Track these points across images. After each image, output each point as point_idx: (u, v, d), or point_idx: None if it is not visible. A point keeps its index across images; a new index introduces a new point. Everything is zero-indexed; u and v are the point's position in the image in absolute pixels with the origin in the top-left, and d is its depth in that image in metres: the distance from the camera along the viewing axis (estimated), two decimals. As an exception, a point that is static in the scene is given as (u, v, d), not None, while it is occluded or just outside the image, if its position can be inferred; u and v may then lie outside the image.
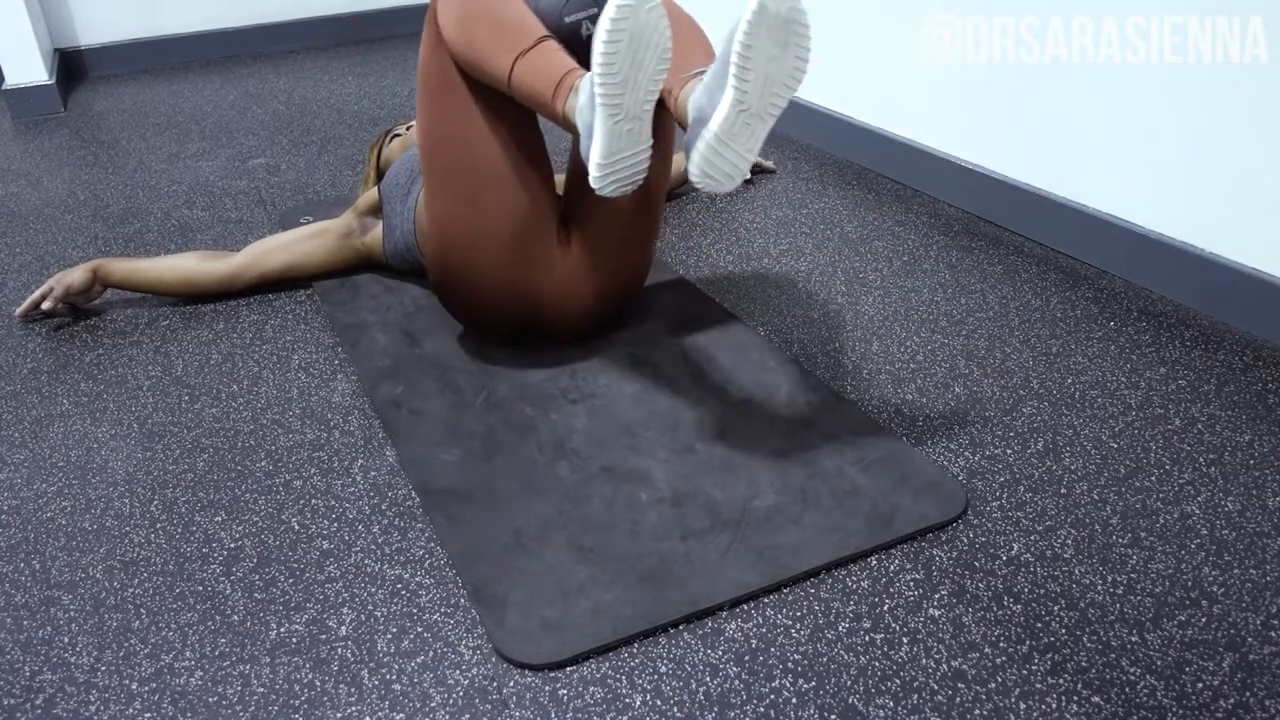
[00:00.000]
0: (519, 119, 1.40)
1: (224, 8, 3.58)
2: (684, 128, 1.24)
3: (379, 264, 1.82)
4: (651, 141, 1.21)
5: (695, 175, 1.16)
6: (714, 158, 1.14)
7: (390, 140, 1.96)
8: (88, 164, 2.58)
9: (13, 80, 3.01)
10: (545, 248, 1.46)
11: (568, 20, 1.38)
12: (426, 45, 1.38)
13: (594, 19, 1.40)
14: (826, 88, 2.39)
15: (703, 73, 1.24)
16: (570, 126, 1.25)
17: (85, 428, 1.46)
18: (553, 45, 1.28)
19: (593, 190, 1.47)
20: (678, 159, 2.13)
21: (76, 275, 1.71)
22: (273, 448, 1.39)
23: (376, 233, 1.77)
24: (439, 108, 1.38)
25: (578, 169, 1.50)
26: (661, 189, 1.50)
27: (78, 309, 1.79)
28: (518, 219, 1.42)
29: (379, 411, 1.44)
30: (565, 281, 1.49)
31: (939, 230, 1.98)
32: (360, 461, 1.36)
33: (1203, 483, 1.25)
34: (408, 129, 1.97)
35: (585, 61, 1.38)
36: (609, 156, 1.17)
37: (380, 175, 1.96)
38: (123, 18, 3.45)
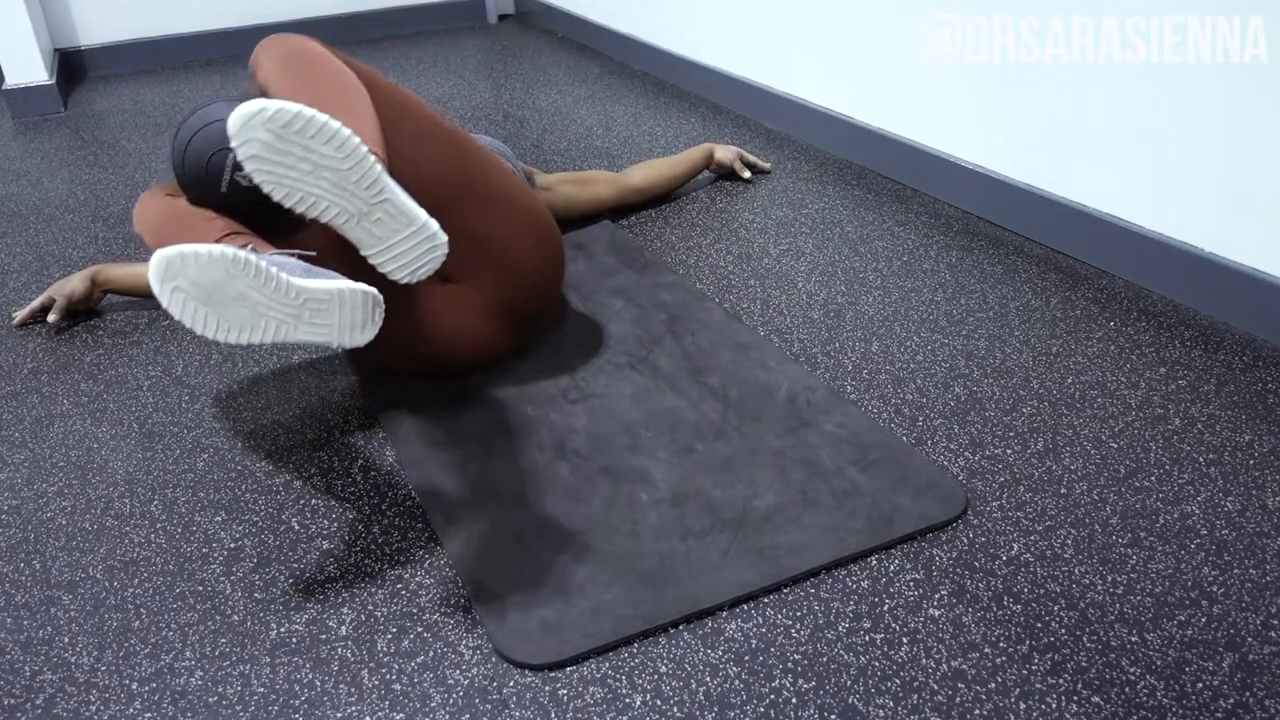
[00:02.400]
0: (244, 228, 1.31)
1: (224, 8, 3.58)
2: None
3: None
4: (365, 268, 1.15)
5: (402, 279, 1.16)
6: (396, 263, 1.15)
7: None
8: (88, 164, 2.58)
9: (13, 80, 3.01)
10: (416, 311, 1.38)
11: (224, 189, 1.30)
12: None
13: (238, 165, 1.29)
14: (826, 88, 2.39)
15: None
16: None
17: (85, 428, 1.46)
18: (201, 231, 1.22)
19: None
20: (677, 160, 2.13)
21: (76, 284, 1.71)
22: (273, 447, 1.39)
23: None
24: None
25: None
26: (492, 192, 1.40)
27: (76, 313, 1.79)
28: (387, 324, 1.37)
29: (379, 412, 1.44)
30: (439, 318, 1.41)
31: (939, 230, 1.98)
32: (360, 461, 1.36)
33: (1203, 483, 1.25)
34: None
35: (266, 212, 1.33)
36: (367, 315, 1.13)
37: None
38: (123, 18, 3.45)
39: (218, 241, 1.21)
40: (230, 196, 1.31)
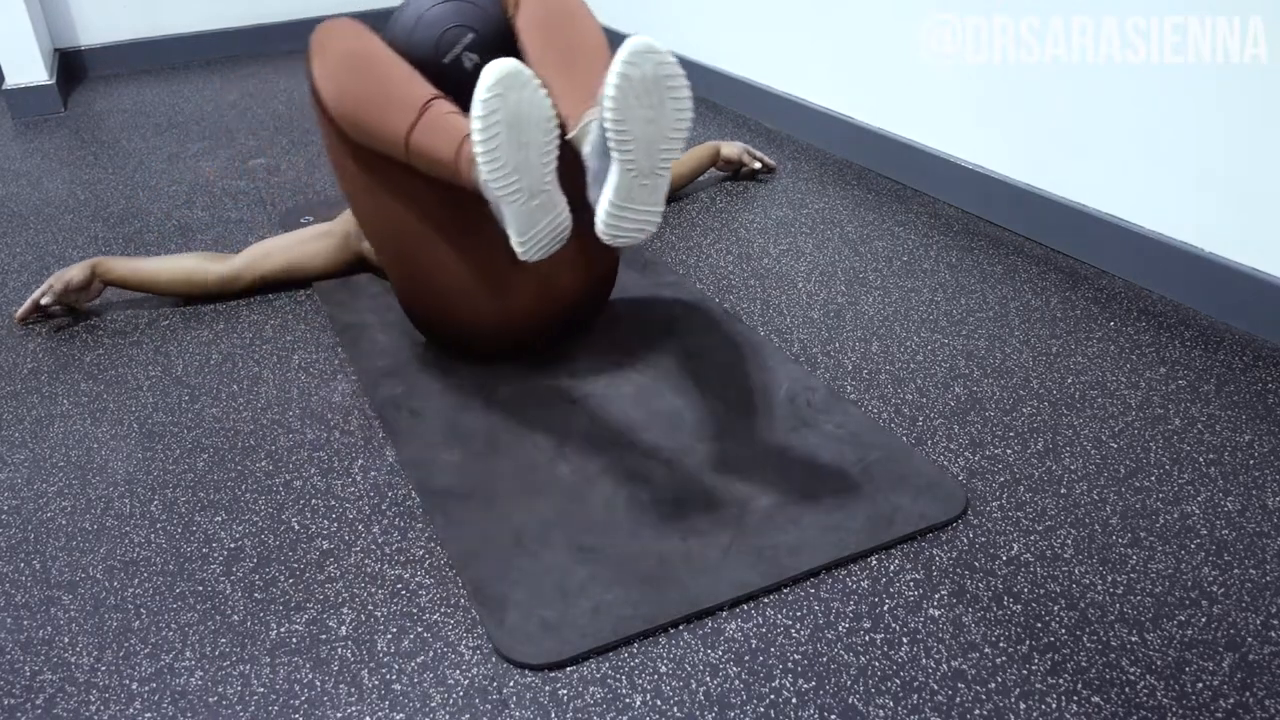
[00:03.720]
0: (435, 188, 1.35)
1: (224, 8, 3.58)
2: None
3: (379, 267, 1.82)
4: (565, 201, 1.16)
5: (605, 237, 1.14)
6: (620, 221, 1.13)
7: None
8: (88, 164, 2.58)
9: (13, 80, 3.01)
10: (501, 276, 1.41)
11: (446, 61, 1.32)
12: (321, 125, 1.34)
13: (471, 46, 1.33)
14: (826, 88, 2.39)
15: (593, 118, 1.19)
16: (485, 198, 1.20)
17: (85, 428, 1.46)
18: (440, 108, 1.20)
19: None
20: (682, 160, 2.13)
21: (76, 272, 1.71)
22: (273, 448, 1.39)
23: (376, 234, 1.77)
24: (357, 187, 1.35)
25: None
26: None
27: (76, 309, 1.79)
28: (470, 265, 1.38)
29: (379, 411, 1.44)
30: (529, 298, 1.45)
31: (939, 230, 1.98)
32: (360, 461, 1.36)
33: (1203, 483, 1.25)
34: None
35: (461, 100, 1.33)
36: (525, 233, 1.14)
37: None
38: (123, 18, 3.45)
39: (430, 101, 1.21)
40: (447, 70, 1.33)
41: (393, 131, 1.21)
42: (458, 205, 1.37)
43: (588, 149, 1.16)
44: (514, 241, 1.15)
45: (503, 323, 1.46)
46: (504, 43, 1.37)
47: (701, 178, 2.27)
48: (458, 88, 1.33)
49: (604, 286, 1.55)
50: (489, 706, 0.99)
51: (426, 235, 1.36)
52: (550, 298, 1.46)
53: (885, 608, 1.08)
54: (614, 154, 1.08)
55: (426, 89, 1.22)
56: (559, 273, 1.45)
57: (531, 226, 1.14)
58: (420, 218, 1.35)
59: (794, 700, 0.98)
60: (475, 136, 1.06)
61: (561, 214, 1.16)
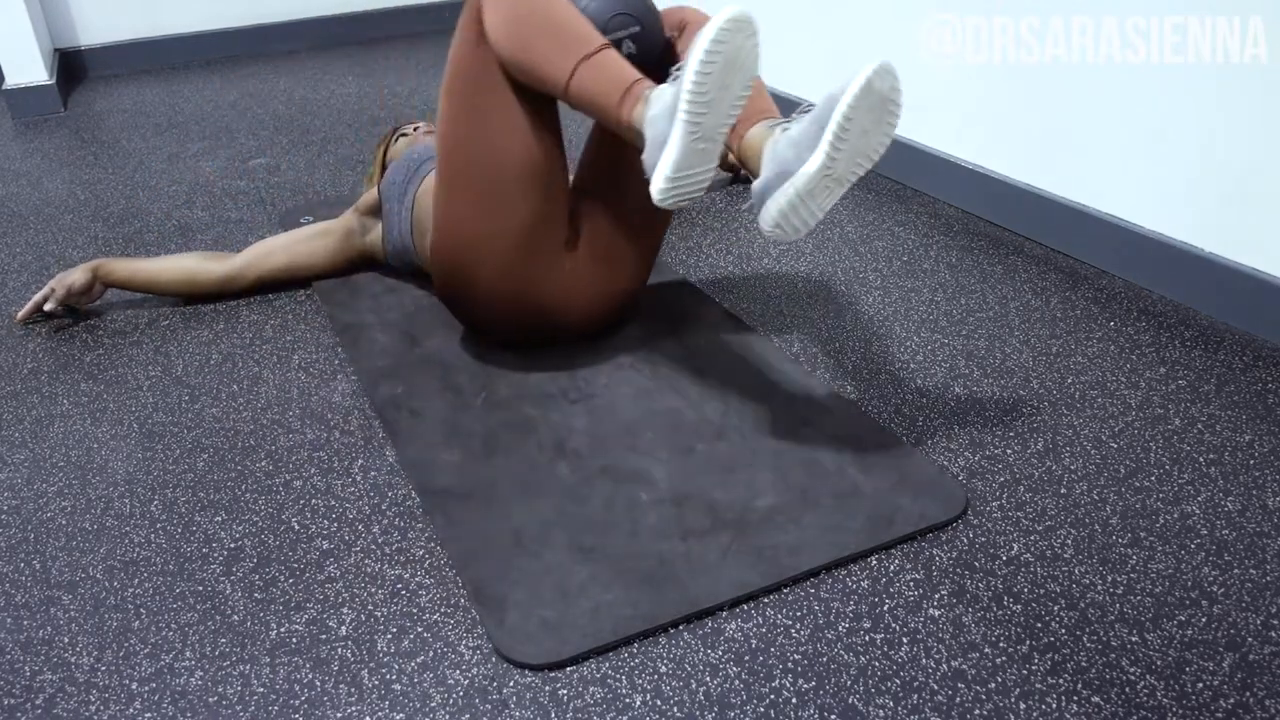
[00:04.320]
0: (547, 123, 1.39)
1: (224, 8, 3.58)
2: (745, 169, 1.28)
3: (381, 264, 1.83)
4: (717, 162, 1.20)
5: (768, 224, 1.18)
6: (791, 212, 1.17)
7: (397, 139, 1.96)
8: (88, 164, 2.58)
9: (13, 80, 3.01)
10: (554, 251, 1.46)
11: (608, 37, 1.38)
12: (464, 41, 1.36)
13: (635, 38, 1.39)
14: (826, 88, 2.39)
15: (780, 123, 1.25)
16: (633, 134, 1.23)
17: (85, 428, 1.46)
18: (616, 54, 1.28)
19: (602, 195, 1.49)
20: None
21: (77, 275, 1.71)
22: (273, 448, 1.39)
23: (377, 233, 1.77)
24: (467, 105, 1.37)
25: (592, 173, 1.51)
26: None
27: (77, 310, 1.79)
28: (532, 221, 1.41)
29: (379, 411, 1.44)
30: (571, 284, 1.49)
31: (939, 230, 1.98)
32: (360, 461, 1.36)
33: (1203, 483, 1.25)
34: (415, 129, 1.96)
35: None
36: (679, 171, 1.16)
37: (383, 171, 1.96)
38: (123, 18, 3.45)
39: (603, 46, 1.27)
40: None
41: (562, 57, 1.27)
42: (553, 169, 1.40)
43: (778, 145, 1.19)
44: (662, 177, 1.17)
45: (536, 296, 1.47)
46: (659, 52, 1.44)
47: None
48: None
49: (636, 288, 1.58)
50: (489, 706, 0.99)
51: (518, 180, 1.38)
52: (586, 285, 1.50)
53: (885, 608, 1.08)
54: (824, 150, 1.12)
55: (599, 35, 1.29)
56: (602, 262, 1.50)
57: (687, 166, 1.17)
58: (519, 161, 1.38)
59: (794, 700, 0.98)
60: (695, 61, 1.11)
61: (709, 170, 1.20)
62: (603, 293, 1.52)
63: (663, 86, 1.19)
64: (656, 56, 1.43)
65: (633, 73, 1.25)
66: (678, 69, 1.16)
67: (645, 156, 1.21)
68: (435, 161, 1.68)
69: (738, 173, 2.26)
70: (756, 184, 1.21)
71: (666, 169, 1.16)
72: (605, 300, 1.54)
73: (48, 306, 1.70)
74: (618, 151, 1.49)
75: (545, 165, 1.39)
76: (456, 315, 1.56)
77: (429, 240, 1.52)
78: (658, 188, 1.18)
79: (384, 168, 1.96)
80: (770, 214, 1.17)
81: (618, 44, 1.38)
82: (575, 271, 1.49)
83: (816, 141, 1.13)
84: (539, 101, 1.37)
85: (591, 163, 1.53)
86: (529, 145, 1.37)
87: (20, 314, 1.73)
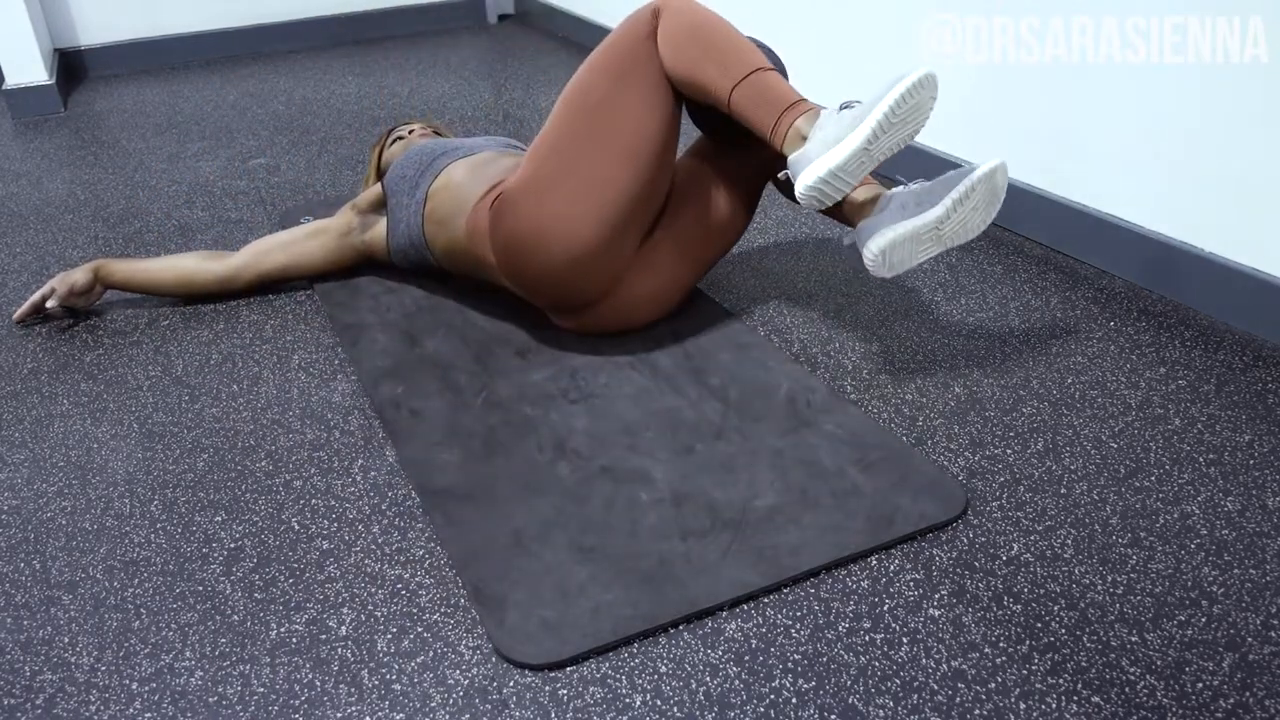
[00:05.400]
0: (674, 120, 1.49)
1: (224, 8, 3.58)
2: (846, 218, 1.47)
3: (380, 262, 1.82)
4: (858, 182, 1.34)
5: (872, 255, 1.36)
6: (894, 248, 1.35)
7: (392, 142, 1.96)
8: (88, 164, 2.58)
9: (13, 80, 3.01)
10: (632, 236, 1.49)
11: None
12: (633, 30, 1.46)
13: None
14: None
15: (909, 184, 1.42)
16: (790, 137, 1.36)
17: (85, 428, 1.46)
18: (771, 77, 1.40)
19: (689, 201, 1.57)
20: None
21: (79, 275, 1.71)
22: (273, 448, 1.39)
23: (378, 229, 1.77)
24: (615, 74, 1.45)
25: (686, 178, 1.59)
26: (747, 220, 1.64)
27: (76, 311, 1.79)
28: (626, 200, 1.45)
29: (379, 411, 1.44)
30: (634, 272, 1.54)
31: (939, 230, 1.98)
32: (360, 461, 1.36)
33: (1203, 483, 1.25)
34: (410, 131, 1.96)
35: (730, 121, 1.56)
36: (841, 169, 1.29)
37: (381, 175, 1.96)
38: (123, 18, 3.45)
39: (762, 67, 1.41)
40: None
41: (740, 64, 1.40)
42: (663, 161, 1.48)
43: (904, 194, 1.37)
44: (824, 168, 1.30)
45: (602, 272, 1.50)
46: None
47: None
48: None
49: (685, 295, 1.64)
50: (489, 706, 0.99)
51: (631, 157, 1.45)
52: (650, 277, 1.56)
53: (885, 608, 1.08)
54: (946, 205, 1.32)
55: (760, 57, 1.42)
56: (671, 260, 1.56)
57: (845, 171, 1.30)
58: (639, 140, 1.45)
59: (794, 700, 0.98)
60: (901, 88, 1.26)
61: (851, 186, 1.33)
62: (655, 293, 1.57)
63: (831, 110, 1.35)
64: None
65: (788, 97, 1.38)
66: (853, 101, 1.34)
67: (800, 154, 1.34)
68: (453, 155, 1.67)
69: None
70: (870, 220, 1.39)
71: (831, 163, 1.29)
72: (653, 300, 1.58)
73: (50, 304, 1.70)
74: (720, 164, 1.59)
75: (660, 151, 1.47)
76: (508, 271, 1.52)
77: (472, 209, 1.55)
78: (813, 178, 1.31)
79: (379, 169, 1.96)
80: (878, 244, 1.34)
81: None
82: (641, 264, 1.54)
83: (939, 199, 1.33)
84: (677, 106, 1.48)
85: (687, 171, 1.60)
86: (656, 127, 1.46)
87: (18, 313, 1.73)
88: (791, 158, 1.35)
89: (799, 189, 1.33)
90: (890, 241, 1.34)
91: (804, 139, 1.35)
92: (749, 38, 1.52)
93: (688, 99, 1.51)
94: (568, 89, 1.48)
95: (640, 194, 1.46)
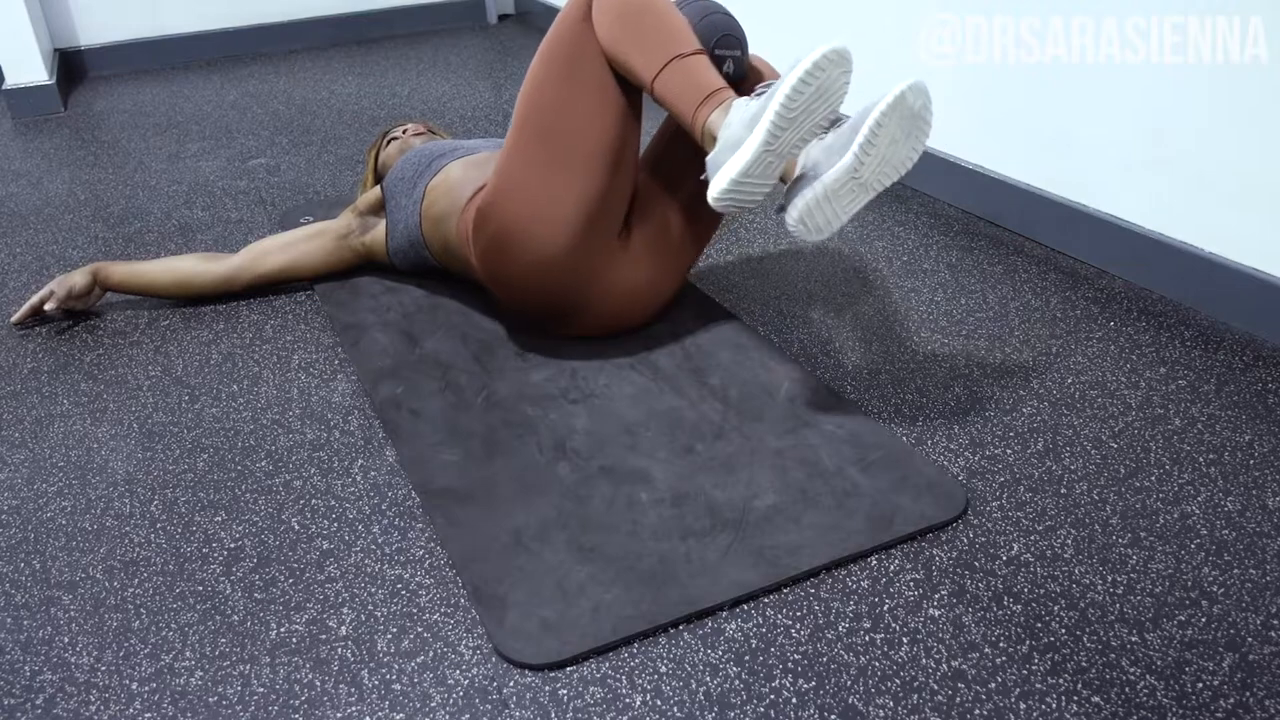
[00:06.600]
0: (632, 112, 1.43)
1: (224, 8, 3.58)
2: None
3: (380, 264, 1.82)
4: (776, 179, 1.24)
5: (793, 221, 1.22)
6: (815, 210, 1.21)
7: (387, 143, 1.96)
8: (88, 164, 2.58)
9: (13, 80, 3.01)
10: (605, 235, 1.47)
11: (717, 52, 1.43)
12: (569, 18, 1.40)
13: (736, 60, 1.44)
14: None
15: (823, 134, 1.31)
16: (704, 136, 1.28)
17: (85, 428, 1.46)
18: (709, 61, 1.32)
19: (661, 193, 1.53)
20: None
21: (77, 278, 1.71)
22: (273, 448, 1.39)
23: (378, 231, 1.77)
24: (562, 72, 1.40)
25: (655, 171, 1.54)
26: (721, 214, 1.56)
27: (74, 314, 1.79)
28: (597, 199, 1.43)
29: (379, 411, 1.44)
30: (613, 273, 1.51)
31: (939, 230, 1.98)
32: (360, 461, 1.36)
33: (1203, 483, 1.25)
34: (404, 131, 1.96)
35: None
36: (745, 176, 1.21)
37: (378, 177, 1.96)
38: (123, 18, 3.45)
39: (697, 50, 1.32)
40: (711, 60, 1.42)
41: (659, 50, 1.32)
42: (625, 158, 1.44)
43: (814, 150, 1.24)
44: (727, 179, 1.21)
45: (578, 278, 1.48)
46: (742, 80, 1.49)
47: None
48: None
49: (672, 293, 1.60)
50: (489, 706, 0.99)
51: (590, 158, 1.41)
52: (628, 278, 1.52)
53: (885, 608, 1.08)
54: (854, 151, 1.17)
55: (698, 43, 1.33)
56: (649, 259, 1.52)
57: (752, 174, 1.20)
58: (596, 140, 1.41)
59: (794, 700, 0.98)
60: (794, 79, 1.15)
61: (768, 186, 1.23)
62: (640, 288, 1.54)
63: (747, 98, 1.23)
64: (741, 82, 1.48)
65: (721, 81, 1.29)
66: (765, 86, 1.21)
67: (712, 157, 1.24)
68: (451, 155, 1.68)
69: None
70: (789, 184, 1.25)
71: (734, 172, 1.20)
72: (641, 296, 1.55)
73: (48, 307, 1.70)
74: (685, 154, 1.52)
75: (619, 148, 1.42)
76: (491, 283, 1.54)
77: (459, 216, 1.54)
78: (719, 188, 1.22)
79: (376, 171, 1.96)
80: (796, 211, 1.21)
81: (721, 60, 1.44)
82: (620, 261, 1.51)
83: (848, 146, 1.18)
84: (629, 89, 1.41)
85: (656, 160, 1.56)
86: (610, 125, 1.40)
87: (16, 316, 1.73)
88: (708, 160, 1.27)
89: (710, 199, 1.24)
90: (806, 204, 1.21)
91: (714, 139, 1.26)
92: (713, 9, 1.44)
93: None
94: (524, 85, 1.44)
95: (601, 193, 1.43)
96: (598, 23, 1.36)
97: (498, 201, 1.45)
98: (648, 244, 1.52)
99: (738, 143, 1.21)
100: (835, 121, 1.25)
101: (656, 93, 1.32)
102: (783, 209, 1.25)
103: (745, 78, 1.49)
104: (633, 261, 1.52)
